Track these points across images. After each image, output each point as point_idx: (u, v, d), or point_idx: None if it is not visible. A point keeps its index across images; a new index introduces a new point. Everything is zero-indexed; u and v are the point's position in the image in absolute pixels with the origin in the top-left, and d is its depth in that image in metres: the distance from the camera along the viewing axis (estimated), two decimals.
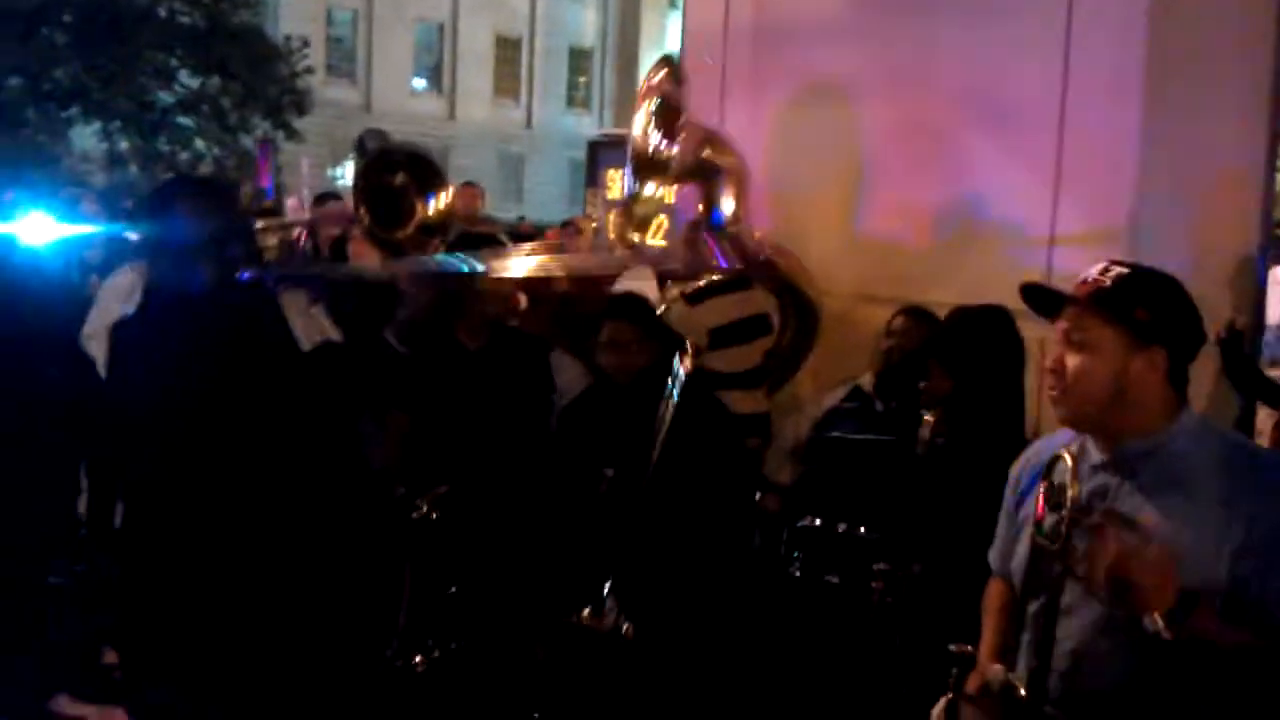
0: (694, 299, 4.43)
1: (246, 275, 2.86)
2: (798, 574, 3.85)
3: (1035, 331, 3.29)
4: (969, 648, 2.46)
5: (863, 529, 3.75)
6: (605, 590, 3.46)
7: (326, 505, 2.92)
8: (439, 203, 4.09)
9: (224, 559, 2.75)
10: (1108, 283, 2.18)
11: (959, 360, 3.65)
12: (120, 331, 2.96)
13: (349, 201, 7.91)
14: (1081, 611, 2.19)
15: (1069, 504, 2.16)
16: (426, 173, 4.13)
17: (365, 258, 4.57)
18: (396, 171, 4.13)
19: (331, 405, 2.99)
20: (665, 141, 4.12)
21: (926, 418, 3.58)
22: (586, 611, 3.46)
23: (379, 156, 4.21)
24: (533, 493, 3.87)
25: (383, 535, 3.71)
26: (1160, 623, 1.94)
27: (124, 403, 2.81)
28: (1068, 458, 2.22)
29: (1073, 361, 2.19)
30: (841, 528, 3.79)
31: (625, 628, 3.45)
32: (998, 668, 2.28)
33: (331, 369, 2.99)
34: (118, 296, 4.63)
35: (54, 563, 5.21)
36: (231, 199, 3.15)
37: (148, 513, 2.82)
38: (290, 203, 10.10)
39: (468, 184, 9.68)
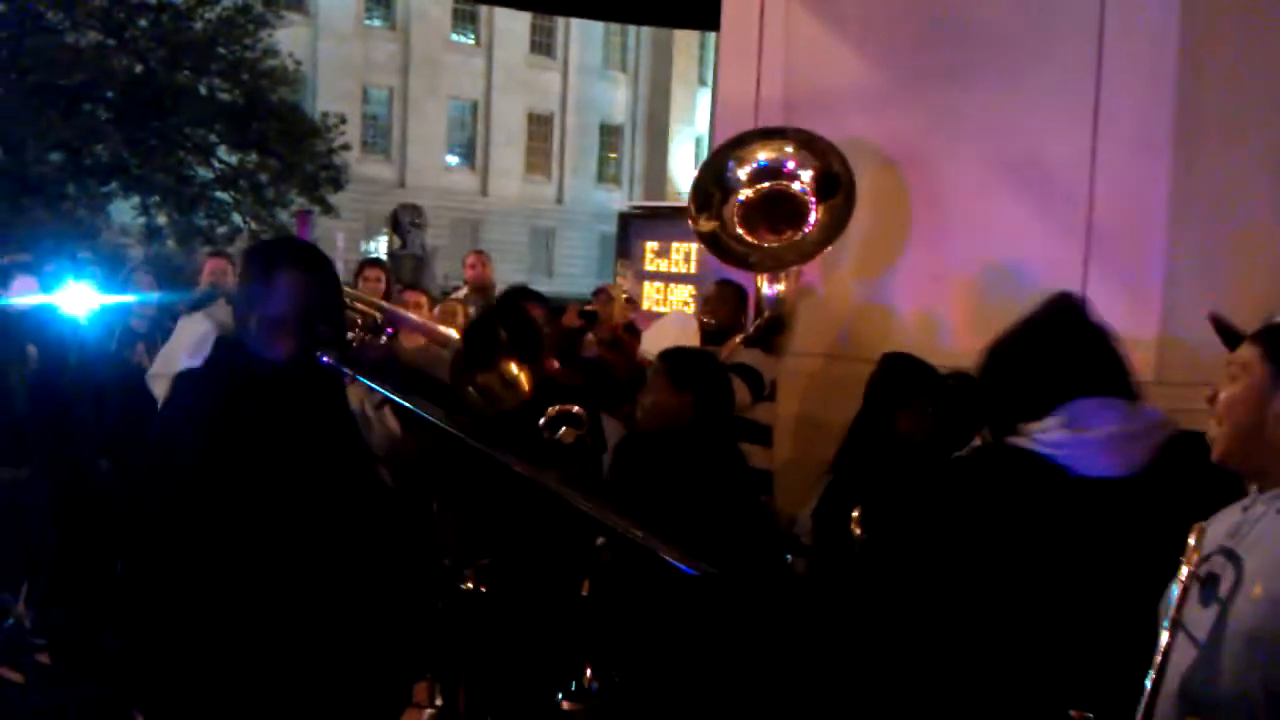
0: (766, 347, 4.57)
1: (326, 359, 2.69)
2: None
3: None
4: (1089, 715, 2.37)
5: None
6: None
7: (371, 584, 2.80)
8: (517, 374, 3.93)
9: (260, 633, 2.65)
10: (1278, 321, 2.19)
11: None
12: (182, 384, 2.85)
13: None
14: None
15: (1190, 565, 2.10)
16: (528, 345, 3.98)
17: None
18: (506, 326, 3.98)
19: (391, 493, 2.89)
20: None
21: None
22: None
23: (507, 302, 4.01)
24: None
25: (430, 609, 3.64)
26: None
27: (168, 458, 2.71)
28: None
29: (1225, 392, 2.18)
30: None
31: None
32: None
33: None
34: (191, 345, 4.67)
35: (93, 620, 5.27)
36: (333, 273, 2.92)
37: (185, 580, 2.72)
38: None
39: (476, 252, 9.71)
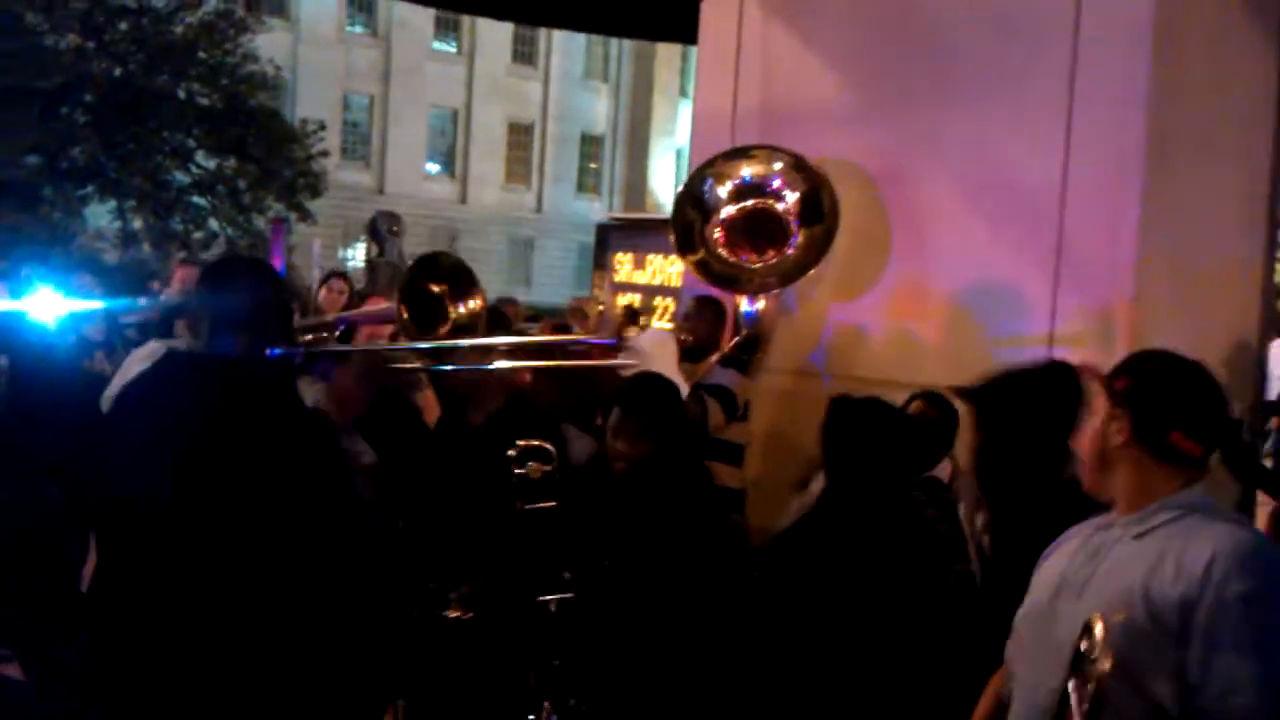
0: (742, 368, 4.58)
1: (276, 351, 2.88)
2: None
3: None
4: None
5: None
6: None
7: (339, 595, 2.77)
8: (470, 307, 4.19)
9: (223, 640, 2.63)
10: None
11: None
12: (130, 388, 2.91)
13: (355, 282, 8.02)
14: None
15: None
16: (463, 281, 4.23)
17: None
18: (437, 280, 4.22)
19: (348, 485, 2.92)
20: None
21: None
22: None
23: (422, 264, 4.30)
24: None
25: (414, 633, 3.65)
26: None
27: (119, 460, 2.71)
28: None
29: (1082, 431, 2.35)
30: None
31: None
32: None
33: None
34: (142, 362, 4.65)
35: (57, 634, 5.21)
36: (280, 281, 3.23)
37: (146, 582, 2.70)
38: None
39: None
